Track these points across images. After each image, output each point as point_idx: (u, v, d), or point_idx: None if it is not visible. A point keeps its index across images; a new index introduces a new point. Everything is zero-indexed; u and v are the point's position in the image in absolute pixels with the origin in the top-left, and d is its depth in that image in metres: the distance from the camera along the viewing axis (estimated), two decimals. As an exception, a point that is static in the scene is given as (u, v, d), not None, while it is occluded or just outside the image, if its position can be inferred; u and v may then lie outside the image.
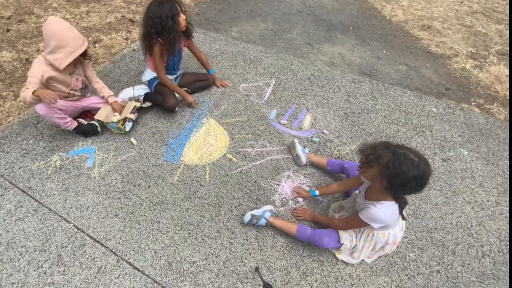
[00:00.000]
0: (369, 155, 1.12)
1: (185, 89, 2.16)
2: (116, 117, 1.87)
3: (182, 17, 1.80)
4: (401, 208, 1.19)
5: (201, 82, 2.24)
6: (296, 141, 1.82)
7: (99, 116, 1.84)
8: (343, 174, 1.69)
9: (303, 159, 1.75)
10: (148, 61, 2.01)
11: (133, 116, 1.89)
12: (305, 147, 1.83)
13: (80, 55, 1.64)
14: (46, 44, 1.54)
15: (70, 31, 1.56)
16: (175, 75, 2.14)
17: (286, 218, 1.57)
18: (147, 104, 2.06)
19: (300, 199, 1.64)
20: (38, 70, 1.56)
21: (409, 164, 1.02)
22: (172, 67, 2.04)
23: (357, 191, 1.50)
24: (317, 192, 1.56)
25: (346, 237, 1.33)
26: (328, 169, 1.71)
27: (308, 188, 1.69)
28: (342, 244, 1.33)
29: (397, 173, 1.03)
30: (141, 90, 2.10)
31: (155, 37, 1.79)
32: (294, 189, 1.67)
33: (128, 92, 2.10)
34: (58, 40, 1.51)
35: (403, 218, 1.26)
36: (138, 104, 1.94)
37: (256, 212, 1.48)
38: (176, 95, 2.06)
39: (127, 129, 1.90)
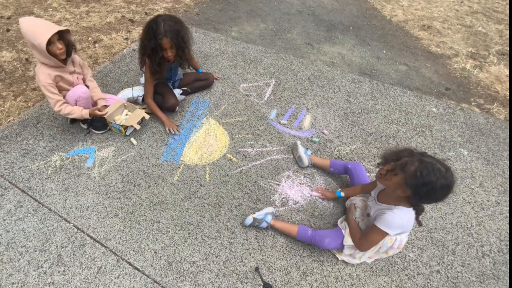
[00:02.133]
0: (394, 162, 1.09)
1: (185, 88, 2.17)
2: (119, 120, 1.87)
3: (167, 54, 1.73)
4: (417, 215, 1.16)
5: (201, 82, 2.24)
6: (298, 142, 1.81)
7: None
8: (346, 174, 1.69)
9: (306, 161, 1.75)
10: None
11: (138, 127, 1.86)
12: (307, 148, 1.83)
13: (67, 49, 1.61)
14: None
15: (35, 21, 1.50)
16: (171, 82, 2.13)
17: (286, 218, 1.57)
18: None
19: (299, 199, 1.64)
20: (45, 75, 1.58)
21: (437, 174, 0.99)
22: (169, 78, 2.05)
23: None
24: (342, 194, 1.54)
25: (349, 239, 1.32)
26: (331, 170, 1.71)
27: (309, 189, 1.69)
28: (344, 246, 1.32)
29: (425, 182, 1.00)
30: (140, 91, 2.10)
31: (144, 57, 1.78)
32: (316, 190, 1.65)
33: (127, 93, 2.10)
34: (31, 36, 1.49)
35: (420, 224, 1.22)
36: (147, 117, 1.90)
37: (258, 215, 1.47)
38: (176, 94, 2.06)
39: (128, 133, 1.90)
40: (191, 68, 2.27)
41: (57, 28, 1.52)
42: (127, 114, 1.98)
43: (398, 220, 1.11)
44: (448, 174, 1.00)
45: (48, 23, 1.54)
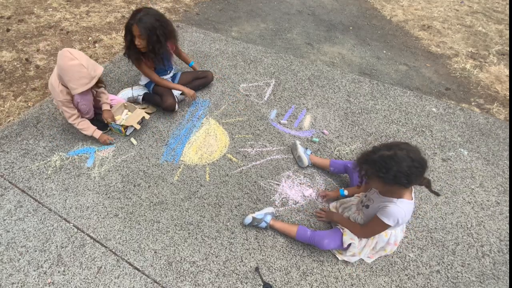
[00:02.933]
0: (360, 172, 1.14)
1: (185, 88, 2.17)
2: (119, 120, 1.87)
3: (139, 42, 1.73)
4: (428, 188, 1.17)
5: (200, 80, 2.23)
6: (298, 142, 1.81)
7: None
8: (346, 174, 1.69)
9: (305, 161, 1.75)
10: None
11: (138, 127, 1.86)
12: (306, 148, 1.83)
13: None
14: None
15: (77, 69, 1.52)
16: (170, 74, 2.12)
17: (286, 218, 1.57)
18: (152, 109, 2.06)
19: (299, 199, 1.64)
20: (63, 93, 1.61)
21: (393, 163, 1.03)
22: (162, 68, 2.03)
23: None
24: (346, 192, 1.56)
25: (348, 237, 1.32)
26: (331, 170, 1.71)
27: (308, 188, 1.69)
28: (350, 245, 1.32)
29: (394, 175, 1.04)
30: (139, 90, 2.10)
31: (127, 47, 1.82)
32: (320, 193, 1.65)
33: (127, 93, 2.10)
34: (65, 75, 1.52)
35: (437, 194, 1.23)
36: (147, 117, 1.90)
37: (257, 215, 1.48)
38: (176, 95, 2.06)
39: (128, 133, 1.90)
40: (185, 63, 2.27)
41: (96, 79, 1.59)
42: (126, 114, 1.98)
43: (401, 212, 1.14)
44: (400, 153, 1.03)
45: (91, 65, 1.57)
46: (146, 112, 1.93)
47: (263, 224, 1.47)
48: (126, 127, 1.87)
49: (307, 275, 1.37)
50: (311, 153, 1.80)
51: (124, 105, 1.98)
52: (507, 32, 3.35)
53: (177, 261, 1.38)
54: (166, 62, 2.01)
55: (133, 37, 1.73)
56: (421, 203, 1.67)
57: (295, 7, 3.69)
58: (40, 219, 1.50)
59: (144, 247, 1.42)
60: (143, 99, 2.09)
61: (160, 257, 1.39)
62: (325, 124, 2.09)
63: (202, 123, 2.04)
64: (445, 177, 1.81)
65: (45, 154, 1.79)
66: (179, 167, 1.77)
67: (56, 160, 1.76)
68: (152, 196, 1.62)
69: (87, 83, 1.56)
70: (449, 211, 1.64)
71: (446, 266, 1.43)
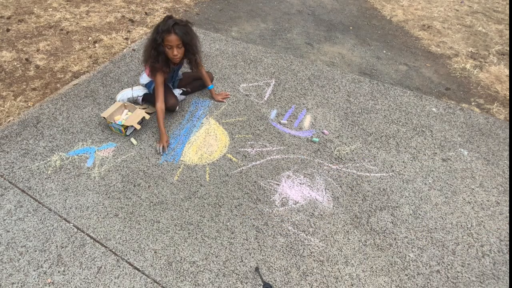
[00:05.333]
0: None
1: (185, 89, 2.16)
2: (120, 120, 1.87)
3: (173, 52, 1.67)
4: None
5: (201, 80, 2.23)
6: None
7: (105, 113, 1.86)
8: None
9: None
10: (145, 67, 1.99)
11: (138, 127, 1.86)
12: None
13: None
14: None
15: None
16: (171, 83, 2.12)
17: (286, 218, 1.57)
18: (152, 109, 2.06)
19: (299, 199, 1.64)
20: None
21: None
22: (170, 80, 2.04)
23: None
24: None
25: None
26: None
27: (309, 189, 1.69)
28: None
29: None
30: (139, 91, 2.10)
31: (154, 60, 1.73)
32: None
33: (126, 93, 2.09)
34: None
35: None
36: (147, 117, 1.90)
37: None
38: (176, 95, 2.06)
39: (128, 133, 1.90)
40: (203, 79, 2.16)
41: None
42: (127, 114, 1.98)
43: None
44: None
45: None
46: (146, 112, 1.93)
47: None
48: (126, 127, 1.87)
49: (307, 275, 1.37)
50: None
51: (124, 105, 1.98)
52: (507, 32, 3.35)
53: (177, 261, 1.38)
54: (176, 73, 2.02)
55: (163, 47, 1.66)
56: (421, 203, 1.67)
57: (295, 7, 3.69)
58: (40, 219, 1.50)
59: (144, 247, 1.42)
60: (143, 99, 2.08)
61: (160, 257, 1.39)
62: (325, 124, 2.09)
63: (202, 123, 2.04)
64: (445, 177, 1.81)
65: (45, 154, 1.79)
66: (179, 167, 1.77)
67: (56, 160, 1.76)
68: (152, 196, 1.62)
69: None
70: (449, 211, 1.64)
71: (446, 266, 1.43)
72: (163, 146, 1.82)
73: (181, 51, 1.73)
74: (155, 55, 1.72)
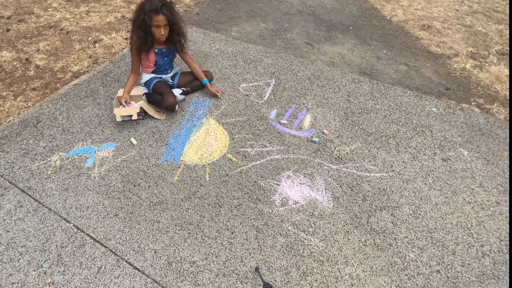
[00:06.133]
0: None
1: (185, 88, 2.16)
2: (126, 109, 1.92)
3: (160, 31, 1.73)
4: None
5: (200, 80, 2.23)
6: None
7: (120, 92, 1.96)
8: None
9: None
10: (142, 64, 2.00)
11: (135, 117, 1.90)
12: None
13: None
14: None
15: None
16: (170, 74, 2.13)
17: (286, 218, 1.57)
18: (161, 116, 2.07)
19: (299, 199, 1.64)
20: None
21: None
22: (164, 67, 2.04)
23: None
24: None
25: None
26: None
27: (309, 189, 1.69)
28: None
29: None
30: (142, 90, 2.10)
31: (143, 41, 1.78)
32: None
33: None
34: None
35: None
36: (135, 117, 1.92)
37: None
38: (176, 94, 2.06)
39: (121, 119, 1.91)
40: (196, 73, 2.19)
41: None
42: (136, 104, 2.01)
43: None
44: None
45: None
46: (137, 113, 1.93)
47: None
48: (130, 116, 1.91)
49: (307, 275, 1.37)
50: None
51: (141, 97, 2.02)
52: (507, 32, 3.35)
53: (177, 261, 1.38)
54: (169, 59, 2.02)
55: (149, 27, 1.70)
56: (421, 203, 1.67)
57: (295, 7, 3.69)
58: (40, 219, 1.50)
59: (144, 247, 1.42)
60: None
61: (160, 257, 1.39)
62: (325, 124, 2.09)
63: (202, 123, 2.04)
64: (445, 177, 1.81)
65: (45, 154, 1.79)
66: (179, 167, 1.77)
67: (56, 160, 1.76)
68: (152, 196, 1.62)
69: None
70: (449, 211, 1.64)
71: (446, 266, 1.43)
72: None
73: (167, 30, 1.77)
74: (143, 35, 1.74)
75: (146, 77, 2.04)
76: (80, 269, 1.34)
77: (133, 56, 1.90)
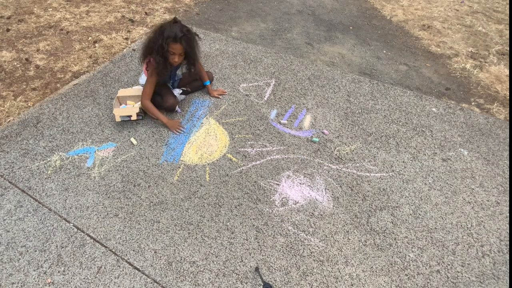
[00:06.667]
0: None
1: (185, 88, 2.16)
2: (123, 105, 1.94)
3: (174, 58, 1.74)
4: None
5: (200, 81, 2.23)
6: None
7: (121, 92, 2.02)
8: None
9: None
10: (143, 66, 2.00)
11: (135, 117, 1.91)
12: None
13: None
14: None
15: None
16: (171, 83, 2.13)
17: (286, 218, 1.57)
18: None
19: (299, 199, 1.64)
20: None
21: None
22: (168, 80, 2.05)
23: None
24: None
25: None
26: None
27: (308, 189, 1.69)
28: None
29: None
30: (139, 91, 2.10)
31: (150, 59, 1.78)
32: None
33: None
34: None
35: None
36: (134, 117, 1.92)
37: None
38: (176, 94, 2.06)
39: (120, 120, 1.92)
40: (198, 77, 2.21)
41: None
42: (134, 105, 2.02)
43: None
44: None
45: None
46: (137, 113, 1.93)
47: None
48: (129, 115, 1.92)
49: (307, 275, 1.37)
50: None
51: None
52: (507, 32, 3.35)
53: (177, 261, 1.38)
54: (173, 74, 2.04)
55: (167, 53, 1.71)
56: (421, 203, 1.67)
57: (295, 7, 3.69)
58: (40, 219, 1.50)
59: (144, 247, 1.42)
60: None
61: (160, 257, 1.39)
62: (325, 124, 2.09)
63: (202, 123, 2.04)
64: (445, 177, 1.81)
65: (45, 154, 1.79)
66: (179, 167, 1.77)
67: (56, 160, 1.76)
68: (152, 196, 1.62)
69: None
70: (449, 211, 1.64)
71: (446, 266, 1.43)
72: (177, 129, 1.91)
73: (182, 58, 1.81)
74: (163, 62, 1.74)
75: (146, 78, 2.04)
76: (80, 269, 1.34)
77: (151, 79, 1.85)
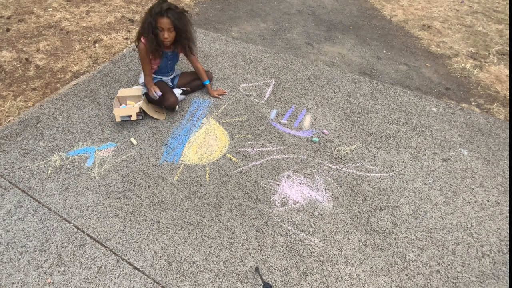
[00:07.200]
0: None
1: (185, 88, 2.16)
2: (123, 105, 1.96)
3: (163, 34, 1.72)
4: None
5: (200, 80, 2.23)
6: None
7: (121, 92, 2.01)
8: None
9: None
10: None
11: (134, 117, 1.91)
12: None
13: None
14: None
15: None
16: (171, 76, 2.13)
17: (286, 218, 1.57)
18: (161, 115, 2.08)
19: (299, 199, 1.64)
20: None
21: None
22: (165, 69, 2.03)
23: None
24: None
25: None
26: None
27: (309, 189, 1.70)
28: None
29: None
30: (139, 91, 2.10)
31: (141, 36, 1.77)
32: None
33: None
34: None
35: None
36: (134, 117, 1.92)
37: None
38: (176, 94, 2.06)
39: (120, 119, 1.92)
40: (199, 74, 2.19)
41: None
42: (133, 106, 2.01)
43: None
44: None
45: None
46: (137, 113, 1.93)
47: None
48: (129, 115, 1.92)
49: (307, 275, 1.37)
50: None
51: (141, 97, 2.03)
52: (507, 32, 3.35)
53: (177, 261, 1.38)
54: (172, 63, 2.02)
55: (156, 29, 1.69)
56: (421, 203, 1.67)
57: (295, 7, 3.69)
58: (40, 219, 1.50)
59: (144, 247, 1.42)
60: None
61: (160, 257, 1.39)
62: (325, 124, 2.09)
63: (202, 123, 2.04)
64: (445, 177, 1.81)
65: (45, 154, 1.79)
66: (179, 167, 1.77)
67: (56, 160, 1.76)
68: (152, 196, 1.62)
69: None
70: (449, 211, 1.64)
71: (446, 266, 1.43)
72: (153, 91, 1.88)
73: (172, 35, 1.75)
74: (153, 38, 1.72)
75: None
76: (80, 269, 1.34)
77: (143, 59, 1.85)
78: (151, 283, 1.31)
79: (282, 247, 1.45)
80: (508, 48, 3.08)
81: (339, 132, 2.04)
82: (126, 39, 2.83)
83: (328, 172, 1.78)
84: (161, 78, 2.06)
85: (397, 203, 1.66)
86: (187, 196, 1.63)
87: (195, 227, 1.51)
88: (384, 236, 1.52)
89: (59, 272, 1.33)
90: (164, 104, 1.98)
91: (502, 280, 1.39)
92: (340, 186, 1.72)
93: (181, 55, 2.05)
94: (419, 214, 1.62)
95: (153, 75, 2.04)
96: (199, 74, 2.16)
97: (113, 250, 1.40)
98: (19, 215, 1.51)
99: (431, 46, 3.08)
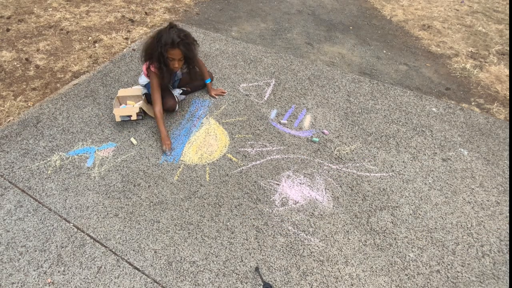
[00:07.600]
0: None
1: (185, 88, 2.16)
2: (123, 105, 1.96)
3: (174, 64, 1.74)
4: None
5: (200, 80, 2.23)
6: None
7: (121, 92, 2.02)
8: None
9: None
10: (143, 67, 2.00)
11: (135, 117, 1.91)
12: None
13: None
14: None
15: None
16: (170, 83, 2.13)
17: (286, 218, 1.57)
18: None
19: (299, 199, 1.64)
20: None
21: None
22: (168, 82, 2.05)
23: None
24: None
25: None
26: None
27: (309, 189, 1.69)
28: None
29: None
30: (139, 90, 2.10)
31: (151, 64, 1.78)
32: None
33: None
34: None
35: None
36: (134, 117, 1.92)
37: None
38: (176, 94, 2.06)
39: (120, 119, 1.92)
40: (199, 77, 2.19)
41: None
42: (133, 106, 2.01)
43: None
44: None
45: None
46: (137, 113, 1.93)
47: None
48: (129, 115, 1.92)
49: (307, 275, 1.37)
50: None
51: (141, 97, 2.03)
52: (507, 32, 3.35)
53: (177, 261, 1.38)
54: (175, 77, 2.06)
55: (167, 60, 1.72)
56: (421, 203, 1.67)
57: (295, 7, 3.69)
58: (40, 219, 1.50)
59: (144, 247, 1.42)
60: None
61: (160, 257, 1.39)
62: (325, 124, 2.09)
63: (202, 123, 2.04)
64: (445, 177, 1.81)
65: (45, 154, 1.79)
66: (179, 167, 1.77)
67: (56, 160, 1.76)
68: (152, 196, 1.62)
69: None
70: (449, 211, 1.64)
71: (446, 266, 1.43)
72: (166, 146, 1.83)
73: (182, 63, 1.82)
74: (164, 69, 1.77)
75: (146, 79, 2.04)
76: (80, 269, 1.34)
77: (156, 88, 1.84)
78: (151, 283, 1.31)
79: (282, 247, 1.45)
80: (508, 48, 3.08)
81: (339, 132, 2.04)
82: (126, 39, 2.83)
83: (328, 172, 1.78)
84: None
85: (397, 203, 1.66)
86: (187, 196, 1.63)
87: (195, 227, 1.51)
88: (384, 236, 1.52)
89: (59, 272, 1.33)
90: (163, 107, 1.98)
91: (502, 280, 1.39)
92: (340, 186, 1.72)
93: None
94: (419, 214, 1.62)
95: None
96: (201, 72, 2.16)
97: (113, 250, 1.40)
98: (19, 215, 1.51)
99: (431, 46, 3.08)
